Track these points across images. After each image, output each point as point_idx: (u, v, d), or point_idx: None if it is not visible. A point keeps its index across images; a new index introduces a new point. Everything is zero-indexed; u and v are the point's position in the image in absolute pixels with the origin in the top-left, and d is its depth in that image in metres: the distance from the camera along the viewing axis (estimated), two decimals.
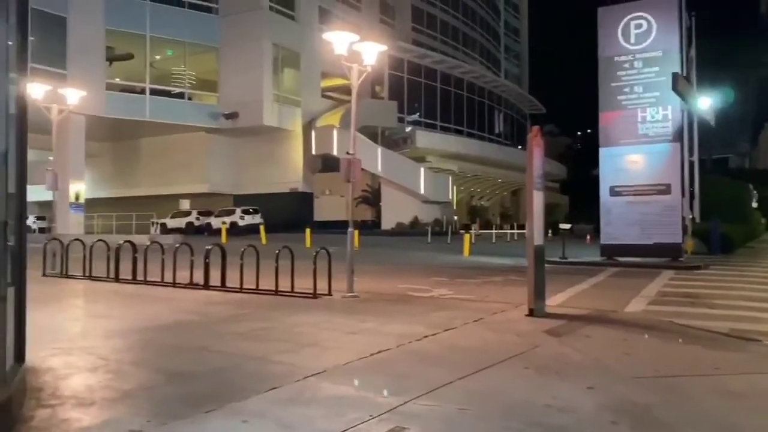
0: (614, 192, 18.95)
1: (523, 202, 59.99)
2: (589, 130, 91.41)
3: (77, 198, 36.20)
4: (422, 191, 43.88)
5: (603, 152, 19.32)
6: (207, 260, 11.90)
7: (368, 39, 11.96)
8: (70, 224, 34.02)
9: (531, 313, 8.88)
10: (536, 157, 9.15)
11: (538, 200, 9.14)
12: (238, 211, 39.98)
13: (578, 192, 60.89)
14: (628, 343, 7.19)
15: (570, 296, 11.52)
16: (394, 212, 42.51)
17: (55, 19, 34.40)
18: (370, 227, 41.65)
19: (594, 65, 19.78)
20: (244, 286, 11.41)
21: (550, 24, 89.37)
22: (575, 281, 13.87)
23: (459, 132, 57.72)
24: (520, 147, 64.51)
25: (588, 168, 78.52)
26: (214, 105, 42.27)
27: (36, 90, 16.22)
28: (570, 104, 73.66)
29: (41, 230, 38.76)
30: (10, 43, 6.28)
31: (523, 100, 73.25)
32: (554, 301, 10.39)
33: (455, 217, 47.80)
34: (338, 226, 28.15)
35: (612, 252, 19.08)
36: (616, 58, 19.16)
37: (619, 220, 18.77)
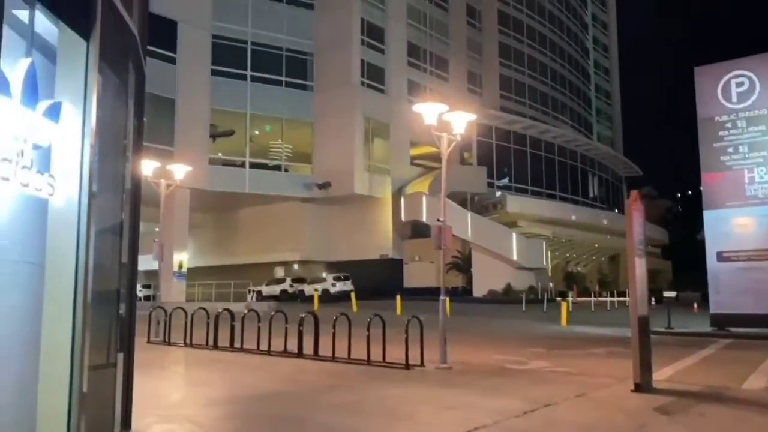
0: (722, 257, 17.81)
1: (623, 268, 57.32)
2: (689, 192, 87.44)
3: (180, 267, 38.08)
4: (515, 257, 43.02)
5: (708, 215, 18.34)
6: (300, 328, 12.08)
7: (456, 109, 12.14)
8: (173, 292, 35.69)
9: (637, 388, 8.31)
10: (636, 222, 8.80)
11: (640, 267, 8.72)
12: (330, 278, 40.61)
13: (682, 257, 57.72)
14: (748, 425, 6.55)
15: (679, 370, 10.73)
16: (486, 279, 41.79)
17: (166, 102, 37.34)
18: (461, 294, 41.02)
19: (691, 125, 19.09)
20: (337, 355, 11.43)
21: (642, 86, 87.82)
22: (684, 354, 12.94)
23: (551, 196, 56.69)
24: (616, 211, 62.42)
25: (691, 232, 74.57)
26: (308, 175, 43.89)
27: (147, 166, 17.49)
28: (667, 165, 71.33)
29: (146, 298, 40.85)
30: (129, 124, 6.79)
31: (617, 163, 71.34)
32: (662, 375, 9.70)
33: (551, 284, 46.34)
34: (429, 293, 27.91)
35: (723, 322, 17.76)
36: (716, 118, 18.41)
37: (730, 288, 17.53)
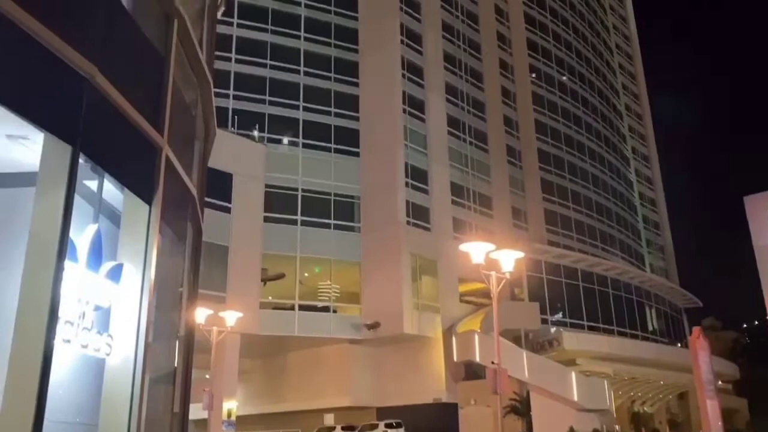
0: None
1: (694, 407, 53.16)
2: (756, 322, 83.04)
3: (229, 416, 37.33)
4: (576, 398, 40.73)
5: None
6: None
7: (503, 245, 12.19)
8: None
9: None
10: (702, 361, 8.35)
11: (713, 410, 8.14)
12: (381, 425, 39.00)
13: (758, 393, 53.60)
14: None
15: None
16: (547, 422, 39.39)
17: (219, 249, 38.67)
18: None
19: (748, 252, 18.57)
20: None
21: (692, 215, 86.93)
22: None
23: (609, 331, 54.61)
24: (679, 345, 59.45)
25: (764, 364, 69.87)
26: (357, 316, 43.73)
27: (199, 314, 17.80)
28: (728, 294, 68.41)
29: None
30: (185, 276, 6.99)
31: (674, 294, 69.01)
32: None
33: (616, 427, 43.30)
34: None
35: None
36: None
37: None
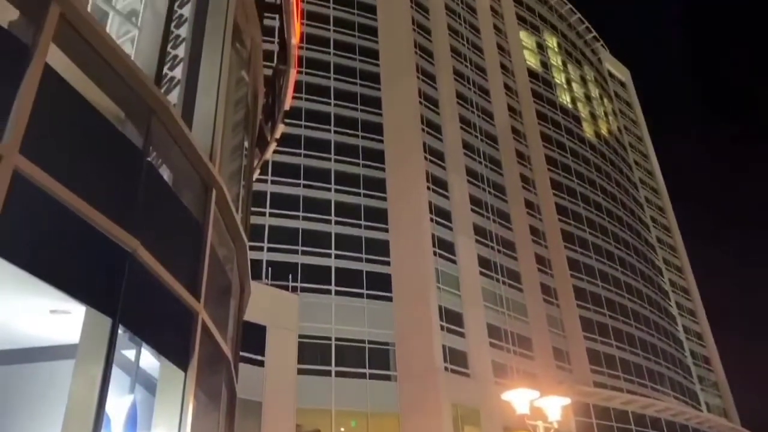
0: None
1: None
2: None
3: None
4: None
5: None
6: None
7: (548, 391, 11.68)
8: None
9: None
10: None
11: None
12: None
13: None
14: None
15: None
16: None
17: (253, 405, 37.66)
18: None
19: None
20: None
21: (741, 348, 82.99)
22: None
23: None
24: None
25: None
26: None
27: None
28: None
29: None
30: None
31: None
32: None
33: None
34: None
35: None
36: None
37: None
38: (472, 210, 54.09)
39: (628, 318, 63.33)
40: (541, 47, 73.93)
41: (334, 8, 58.25)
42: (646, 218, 80.00)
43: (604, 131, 76.81)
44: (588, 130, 72.75)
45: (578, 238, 62.36)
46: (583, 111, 74.42)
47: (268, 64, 14.03)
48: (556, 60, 74.96)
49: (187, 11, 8.20)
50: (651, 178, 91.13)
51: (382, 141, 53.43)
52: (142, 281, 5.24)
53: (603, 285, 62.33)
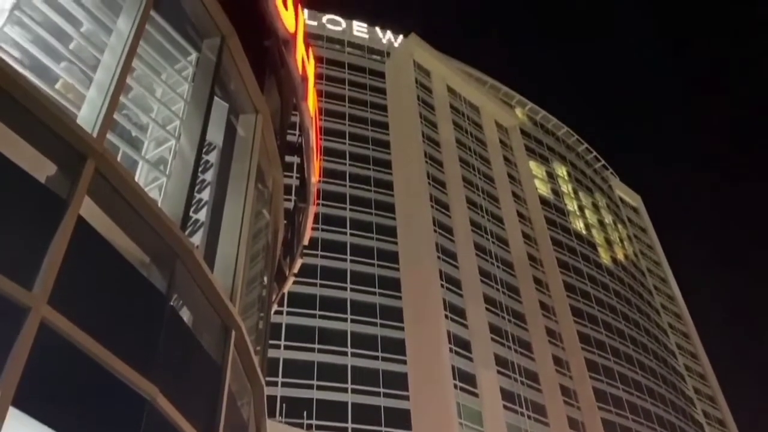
0: None
1: None
2: None
3: None
4: None
5: None
6: None
7: None
8: None
9: None
10: None
11: None
12: None
13: None
14: None
15: None
16: None
17: None
18: None
19: None
20: None
21: None
22: None
23: None
24: None
25: None
26: None
27: None
28: None
29: None
30: None
31: None
32: None
33: None
34: None
35: None
36: None
37: None
38: (492, 339, 52.91)
39: (652, 422, 60.02)
40: (551, 176, 75.62)
41: (350, 144, 60.82)
42: (671, 345, 77.57)
43: (620, 257, 76.55)
44: (604, 256, 72.54)
45: (603, 367, 60.30)
46: (598, 237, 74.66)
47: (287, 197, 14.44)
48: (567, 188, 76.36)
49: (213, 157, 8.61)
50: (672, 302, 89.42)
51: (398, 269, 53.52)
52: (160, 427, 5.10)
53: (633, 417, 59.42)
